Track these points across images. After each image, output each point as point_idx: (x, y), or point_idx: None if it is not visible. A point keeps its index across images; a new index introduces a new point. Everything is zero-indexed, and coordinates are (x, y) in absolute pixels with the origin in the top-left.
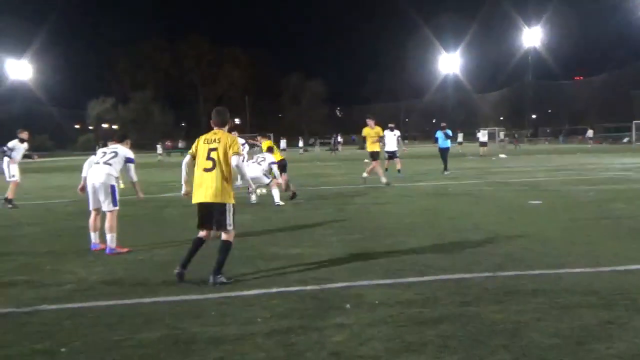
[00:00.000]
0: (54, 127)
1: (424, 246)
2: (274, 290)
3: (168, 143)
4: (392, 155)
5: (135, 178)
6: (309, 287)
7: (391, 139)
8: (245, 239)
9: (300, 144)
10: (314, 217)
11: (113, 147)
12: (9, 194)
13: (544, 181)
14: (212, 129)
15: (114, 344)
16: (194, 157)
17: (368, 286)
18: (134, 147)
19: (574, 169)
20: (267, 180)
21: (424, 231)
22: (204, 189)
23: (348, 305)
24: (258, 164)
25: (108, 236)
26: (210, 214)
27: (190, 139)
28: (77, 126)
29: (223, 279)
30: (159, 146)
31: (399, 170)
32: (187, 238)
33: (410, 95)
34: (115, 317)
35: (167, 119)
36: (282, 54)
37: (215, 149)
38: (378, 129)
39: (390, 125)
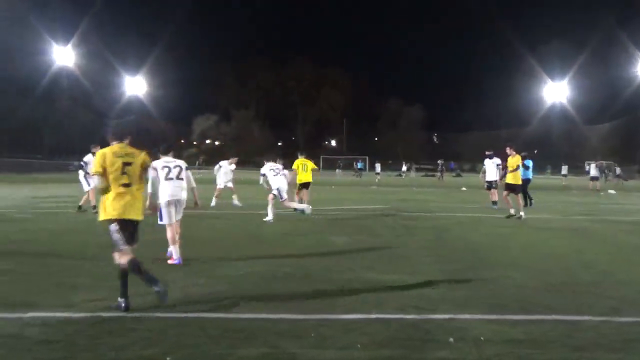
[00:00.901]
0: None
1: (528, 282)
2: (374, 316)
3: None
4: (490, 185)
5: (194, 184)
6: (409, 316)
7: (491, 168)
8: (342, 261)
9: (404, 168)
10: (410, 243)
11: (170, 160)
12: (94, 202)
13: None
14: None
15: (216, 358)
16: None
17: (471, 320)
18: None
19: None
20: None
21: (527, 266)
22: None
23: (451, 339)
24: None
25: (176, 247)
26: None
27: (287, 158)
28: (182, 141)
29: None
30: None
31: (494, 202)
32: (285, 253)
33: (511, 123)
34: (218, 330)
35: (266, 137)
36: (382, 77)
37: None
38: (518, 157)
39: (487, 152)
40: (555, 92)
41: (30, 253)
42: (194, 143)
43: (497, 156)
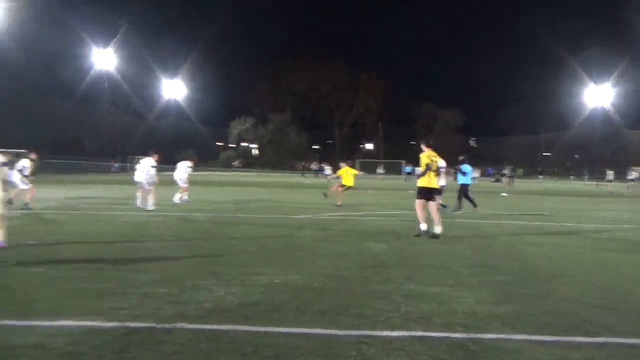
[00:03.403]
0: (199, 143)
1: (581, 298)
2: (418, 333)
3: (303, 164)
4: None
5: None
6: (456, 335)
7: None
8: (381, 271)
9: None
10: (451, 252)
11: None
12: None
13: None
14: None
15: None
16: None
17: (526, 341)
18: (271, 166)
19: None
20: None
21: (578, 279)
22: None
23: None
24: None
25: None
26: None
27: (327, 161)
28: (219, 143)
29: None
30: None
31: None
32: (321, 261)
33: (551, 127)
34: (250, 347)
35: (302, 141)
36: (417, 81)
37: None
38: (427, 153)
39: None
40: (598, 95)
41: (60, 256)
42: (231, 146)
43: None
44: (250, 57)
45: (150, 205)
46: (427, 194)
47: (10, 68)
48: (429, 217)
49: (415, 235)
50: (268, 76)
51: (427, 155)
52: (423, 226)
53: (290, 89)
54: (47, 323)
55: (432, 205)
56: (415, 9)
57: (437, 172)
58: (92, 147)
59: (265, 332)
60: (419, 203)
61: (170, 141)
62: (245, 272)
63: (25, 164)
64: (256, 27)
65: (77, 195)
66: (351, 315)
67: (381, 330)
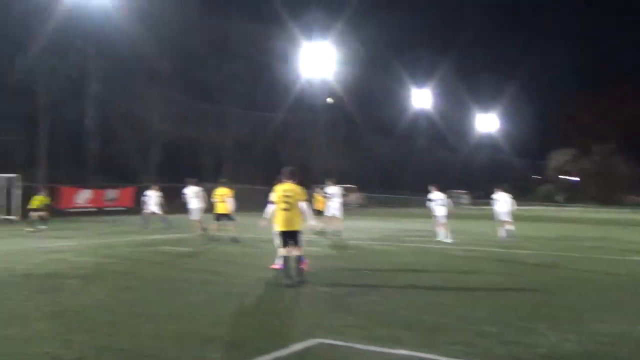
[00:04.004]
0: (514, 175)
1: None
2: None
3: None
4: None
5: None
6: None
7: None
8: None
9: None
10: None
11: None
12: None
13: None
14: None
15: None
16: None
17: None
18: (596, 201)
19: None
20: None
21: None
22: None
23: None
24: None
25: None
26: None
27: None
28: (536, 177)
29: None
30: None
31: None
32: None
33: None
34: None
35: (633, 172)
36: None
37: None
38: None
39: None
40: None
41: (394, 284)
42: (548, 179)
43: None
44: (568, 85)
45: (445, 238)
46: None
47: (343, 110)
48: None
49: None
50: (590, 104)
51: None
52: None
53: (615, 117)
54: (388, 350)
55: None
56: None
57: None
58: (413, 181)
59: None
60: None
61: (484, 175)
62: (581, 317)
63: (354, 198)
64: (572, 53)
65: (401, 227)
66: None
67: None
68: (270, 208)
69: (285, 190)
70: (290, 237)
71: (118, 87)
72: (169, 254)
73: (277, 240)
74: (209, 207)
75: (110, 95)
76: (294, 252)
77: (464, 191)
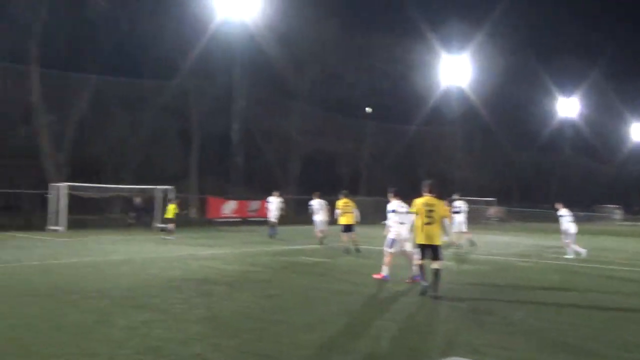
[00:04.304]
0: None
1: None
2: None
3: None
4: None
5: None
6: None
7: None
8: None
9: None
10: None
11: None
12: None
13: None
14: None
15: None
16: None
17: None
18: None
19: None
20: None
21: None
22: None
23: None
24: None
25: None
26: None
27: None
28: None
29: None
30: None
31: None
32: None
33: None
34: None
35: None
36: None
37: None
38: None
39: None
40: None
41: (536, 302)
42: None
43: None
44: None
45: (572, 253)
46: None
47: (480, 120)
48: None
49: None
50: None
51: None
52: None
53: None
54: None
55: None
56: None
57: None
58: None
59: None
60: None
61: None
62: None
63: (494, 211)
64: None
65: (542, 243)
66: None
67: None
68: (408, 218)
69: (428, 205)
70: (429, 250)
71: (261, 104)
72: (306, 264)
73: (415, 253)
74: (333, 219)
75: (253, 112)
76: (434, 265)
77: (616, 205)
